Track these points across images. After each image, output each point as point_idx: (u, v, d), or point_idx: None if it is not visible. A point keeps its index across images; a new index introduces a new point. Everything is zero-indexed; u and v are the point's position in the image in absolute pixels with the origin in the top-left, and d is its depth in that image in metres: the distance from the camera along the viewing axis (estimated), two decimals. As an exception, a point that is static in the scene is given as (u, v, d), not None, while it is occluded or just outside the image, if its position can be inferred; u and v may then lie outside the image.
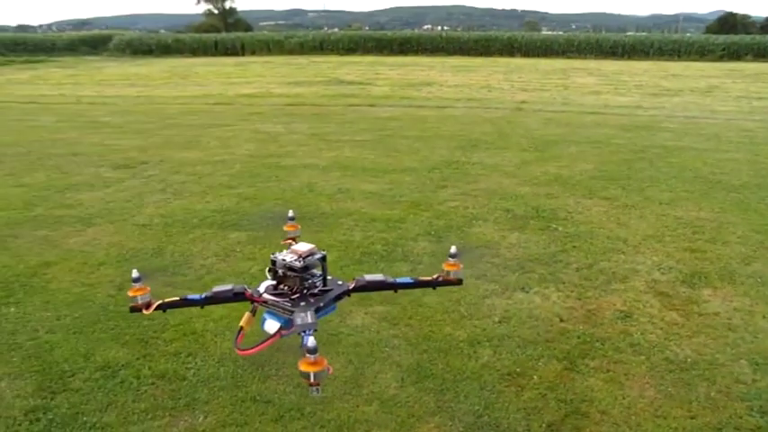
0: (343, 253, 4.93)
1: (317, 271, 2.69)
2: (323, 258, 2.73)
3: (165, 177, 7.48)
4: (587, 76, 22.93)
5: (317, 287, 2.66)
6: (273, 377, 3.25)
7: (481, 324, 3.76)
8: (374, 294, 4.15)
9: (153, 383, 3.22)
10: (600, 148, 9.14)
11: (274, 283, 2.77)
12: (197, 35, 48.89)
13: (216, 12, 65.93)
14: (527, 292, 4.22)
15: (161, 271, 4.63)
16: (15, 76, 26.54)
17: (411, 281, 2.97)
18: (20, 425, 2.91)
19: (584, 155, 8.63)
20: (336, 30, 61.71)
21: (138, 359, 3.43)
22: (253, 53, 42.35)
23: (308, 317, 2.47)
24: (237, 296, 2.66)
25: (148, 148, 9.34)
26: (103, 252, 5.04)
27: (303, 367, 2.12)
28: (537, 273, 4.55)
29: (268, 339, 2.34)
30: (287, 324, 2.59)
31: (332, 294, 2.66)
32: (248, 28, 62.37)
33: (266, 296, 2.64)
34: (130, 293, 2.61)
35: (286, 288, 2.69)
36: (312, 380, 2.12)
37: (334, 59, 34.21)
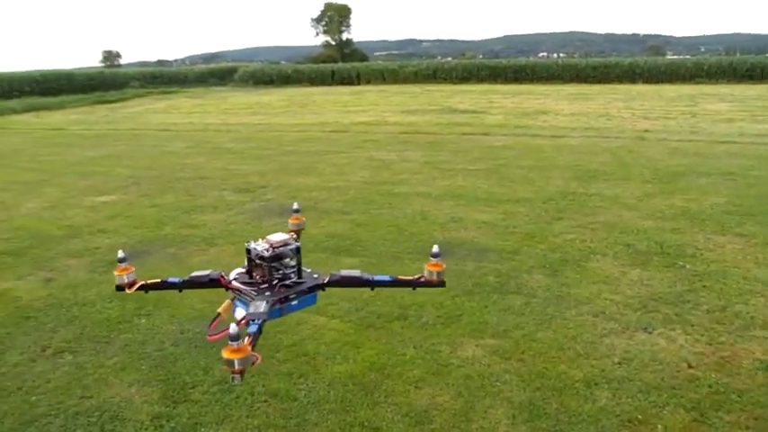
0: (454, 282, 4.90)
1: (292, 262, 2.65)
2: (297, 250, 2.69)
3: (282, 202, 7.84)
4: (718, 102, 21.45)
5: (290, 278, 2.62)
6: (382, 404, 3.27)
7: (599, 364, 3.58)
8: (486, 327, 4.10)
9: (266, 401, 3.34)
10: (734, 180, 8.48)
11: (243, 270, 2.80)
12: (315, 65, 51.17)
13: (333, 43, 68.69)
14: (650, 333, 3.97)
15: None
16: (152, 105, 29.05)
17: (389, 279, 2.87)
18: (146, 429, 3.14)
19: (716, 187, 8.04)
20: (450, 58, 62.21)
21: (252, 376, 3.57)
22: (368, 82, 43.59)
23: (261, 306, 2.45)
24: (213, 282, 2.75)
25: (267, 174, 9.85)
26: (226, 272, 5.33)
27: (226, 354, 2.08)
28: (661, 313, 4.27)
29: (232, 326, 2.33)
30: (273, 315, 2.61)
31: (303, 287, 2.62)
32: (363, 58, 64.34)
33: (235, 284, 2.68)
34: (116, 273, 2.76)
35: (258, 277, 2.70)
36: (237, 367, 2.09)
37: (448, 88, 34.48)
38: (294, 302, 2.58)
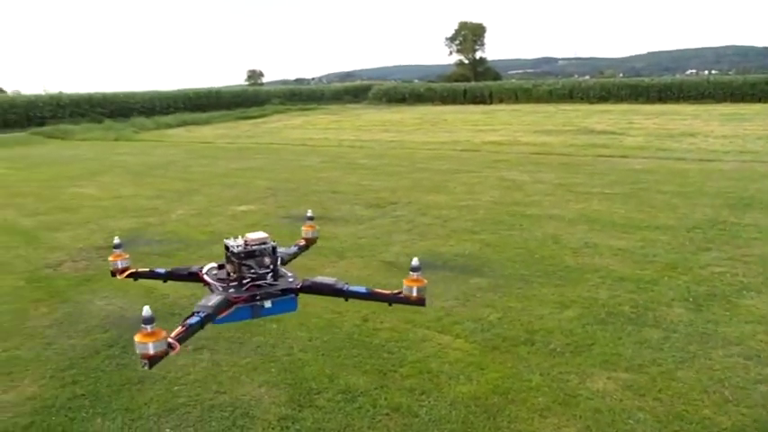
0: (585, 311, 4.70)
1: (267, 261, 2.49)
2: (273, 250, 2.53)
3: (412, 218, 7.94)
4: None
5: (263, 279, 2.46)
6: (505, 429, 3.20)
7: (752, 413, 3.24)
8: (619, 360, 3.87)
9: (387, 414, 3.38)
10: None
11: (215, 265, 2.72)
12: (447, 84, 51.55)
13: (466, 62, 68.77)
14: (813, 384, 3.54)
15: (402, 308, 4.88)
16: (291, 121, 30.74)
17: (365, 291, 2.63)
18: (273, 429, 3.29)
19: None
20: (588, 77, 59.98)
21: (375, 389, 3.64)
22: (500, 101, 43.16)
23: (211, 300, 2.33)
24: (191, 275, 2.71)
25: (398, 190, 10.04)
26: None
27: (138, 338, 1.94)
28: (828, 362, 3.80)
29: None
30: (242, 315, 2.50)
31: (275, 289, 2.44)
32: (497, 77, 63.83)
33: (206, 277, 2.60)
34: (111, 259, 2.87)
35: (231, 273, 2.60)
36: (151, 351, 1.94)
37: (585, 108, 33.24)
38: (268, 305, 2.49)
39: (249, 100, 45.14)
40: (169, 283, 5.27)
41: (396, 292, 2.45)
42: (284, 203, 9.28)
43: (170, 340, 2.02)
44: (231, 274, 2.64)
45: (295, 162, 14.59)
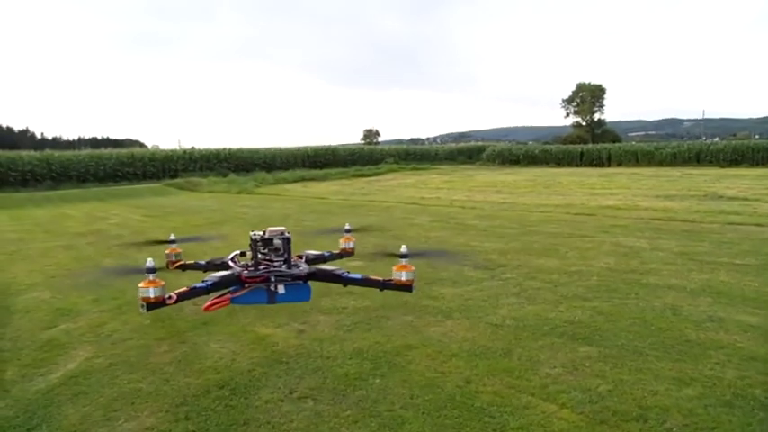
0: (708, 390, 4.33)
1: (281, 250, 3.05)
2: (287, 240, 2.97)
3: (520, 282, 7.76)
4: None
5: (275, 266, 3.03)
6: None
7: None
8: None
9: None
10: None
11: (239, 252, 3.41)
12: (563, 146, 50.67)
13: (583, 123, 67.41)
14: None
15: (507, 372, 4.76)
16: (404, 180, 31.39)
17: (360, 278, 2.92)
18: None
19: None
20: (716, 139, 56.70)
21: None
22: (619, 164, 41.74)
23: (218, 274, 2.98)
24: (223, 264, 3.36)
25: (508, 252, 9.87)
26: (457, 345, 5.43)
27: (142, 285, 2.34)
28: None
29: (221, 297, 2.86)
30: (257, 297, 3.13)
31: (284, 274, 2.89)
32: (616, 139, 61.99)
33: (230, 262, 3.10)
34: (167, 252, 3.29)
35: (249, 258, 3.18)
36: (151, 296, 2.30)
37: (713, 172, 31.24)
38: (282, 290, 3.11)
39: (364, 158, 46.88)
40: (278, 331, 5.53)
41: (387, 278, 2.91)
42: (393, 261, 9.38)
43: (171, 294, 2.63)
44: (250, 258, 3.28)
45: (405, 220, 14.82)
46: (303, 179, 32.95)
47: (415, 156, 53.13)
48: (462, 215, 15.71)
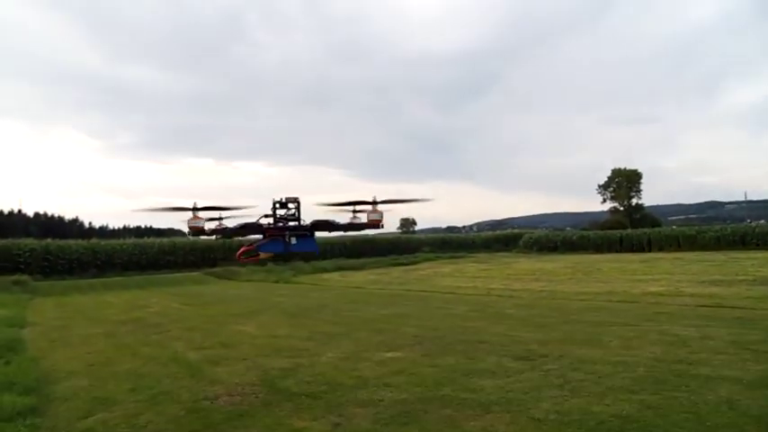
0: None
1: (292, 212, 4.66)
2: (297, 204, 4.71)
3: (563, 373, 7.45)
4: None
5: (289, 222, 4.71)
6: None
7: None
8: None
9: None
10: None
11: (265, 214, 4.93)
12: (601, 232, 49.99)
13: (621, 208, 66.65)
14: None
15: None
16: (441, 269, 31.22)
17: (347, 224, 4.93)
18: None
19: None
20: (762, 221, 55.30)
21: None
22: (660, 249, 40.84)
23: (258, 239, 4.89)
24: (258, 227, 4.96)
25: (548, 342, 9.54)
26: (501, 442, 5.16)
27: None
28: None
29: (250, 246, 5.00)
30: (276, 246, 4.82)
31: (295, 227, 4.74)
32: (655, 223, 60.97)
33: (261, 221, 4.80)
34: (191, 217, 5.35)
35: (272, 222, 4.83)
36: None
37: (761, 255, 30.18)
38: (294, 241, 4.65)
39: (401, 247, 47.06)
40: (314, 424, 5.44)
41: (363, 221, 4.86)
42: (430, 351, 9.17)
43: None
44: (272, 222, 4.77)
45: (443, 310, 14.61)
46: (341, 268, 33.11)
47: (451, 244, 53.11)
48: (500, 304, 15.42)
